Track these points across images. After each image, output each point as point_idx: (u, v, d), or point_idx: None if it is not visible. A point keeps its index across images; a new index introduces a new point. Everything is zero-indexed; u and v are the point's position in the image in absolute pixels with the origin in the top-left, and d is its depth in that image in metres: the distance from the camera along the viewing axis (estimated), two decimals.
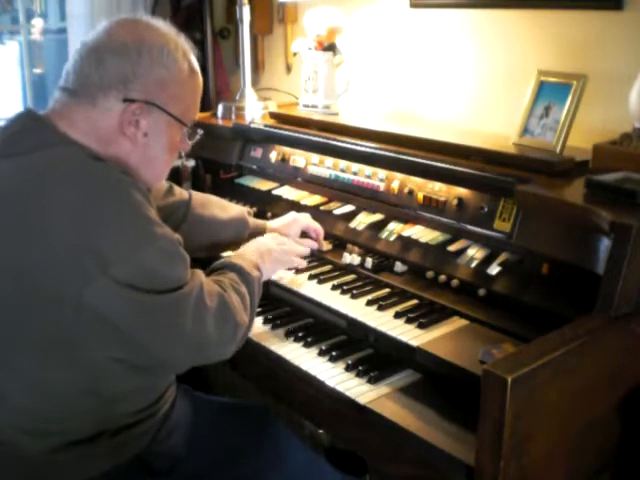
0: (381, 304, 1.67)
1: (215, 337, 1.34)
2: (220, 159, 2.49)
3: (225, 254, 1.91)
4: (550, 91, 1.85)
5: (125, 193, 1.27)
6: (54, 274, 1.21)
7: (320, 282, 1.82)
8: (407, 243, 1.86)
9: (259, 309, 1.82)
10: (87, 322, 1.22)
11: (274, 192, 2.26)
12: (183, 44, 1.42)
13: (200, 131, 1.55)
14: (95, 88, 1.34)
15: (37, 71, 4.84)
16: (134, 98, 1.34)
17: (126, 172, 1.34)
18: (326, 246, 2.00)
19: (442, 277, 1.74)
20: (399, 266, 1.83)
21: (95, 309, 1.21)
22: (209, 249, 1.92)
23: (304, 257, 1.86)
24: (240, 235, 1.92)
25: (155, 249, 1.25)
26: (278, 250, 1.73)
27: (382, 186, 1.98)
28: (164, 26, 1.42)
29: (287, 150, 2.29)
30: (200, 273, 1.38)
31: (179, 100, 1.41)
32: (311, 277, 1.85)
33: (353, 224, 2.00)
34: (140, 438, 1.40)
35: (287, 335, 1.71)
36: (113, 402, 1.36)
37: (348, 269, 1.89)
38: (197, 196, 1.92)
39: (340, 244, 2.01)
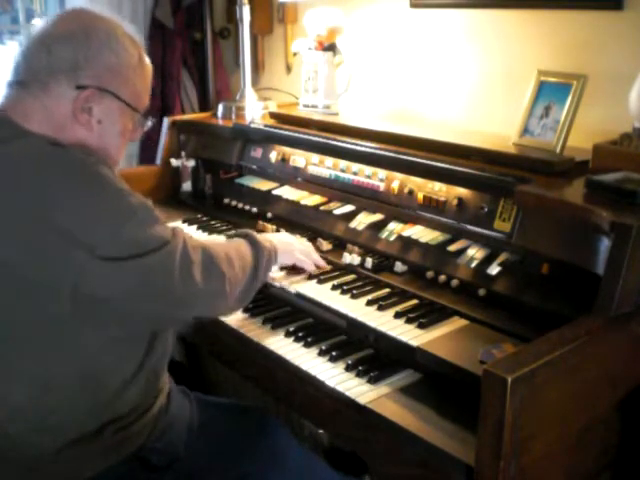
0: (381, 304, 1.67)
1: (204, 290, 1.37)
2: (220, 159, 2.49)
3: None
4: (550, 91, 1.85)
5: (95, 173, 1.29)
6: (44, 266, 1.22)
7: (320, 282, 1.82)
8: (407, 243, 1.86)
9: (259, 308, 1.83)
10: (85, 305, 1.24)
11: (274, 192, 2.26)
12: (130, 33, 1.44)
13: (150, 120, 1.54)
14: (46, 76, 1.34)
15: None
16: (86, 84, 1.35)
17: (89, 153, 1.35)
18: (326, 246, 2.00)
19: (442, 277, 1.74)
20: (399, 266, 1.83)
21: (91, 291, 1.23)
22: None
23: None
24: None
25: (136, 221, 1.28)
26: (298, 247, 1.85)
27: (382, 186, 1.98)
28: (111, 16, 1.43)
29: (287, 150, 2.29)
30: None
31: (130, 86, 1.42)
32: (311, 277, 1.84)
33: (353, 224, 2.00)
34: (137, 434, 1.41)
35: (287, 335, 1.71)
36: (110, 393, 1.36)
37: (348, 269, 1.89)
38: None
39: (340, 244, 2.00)
